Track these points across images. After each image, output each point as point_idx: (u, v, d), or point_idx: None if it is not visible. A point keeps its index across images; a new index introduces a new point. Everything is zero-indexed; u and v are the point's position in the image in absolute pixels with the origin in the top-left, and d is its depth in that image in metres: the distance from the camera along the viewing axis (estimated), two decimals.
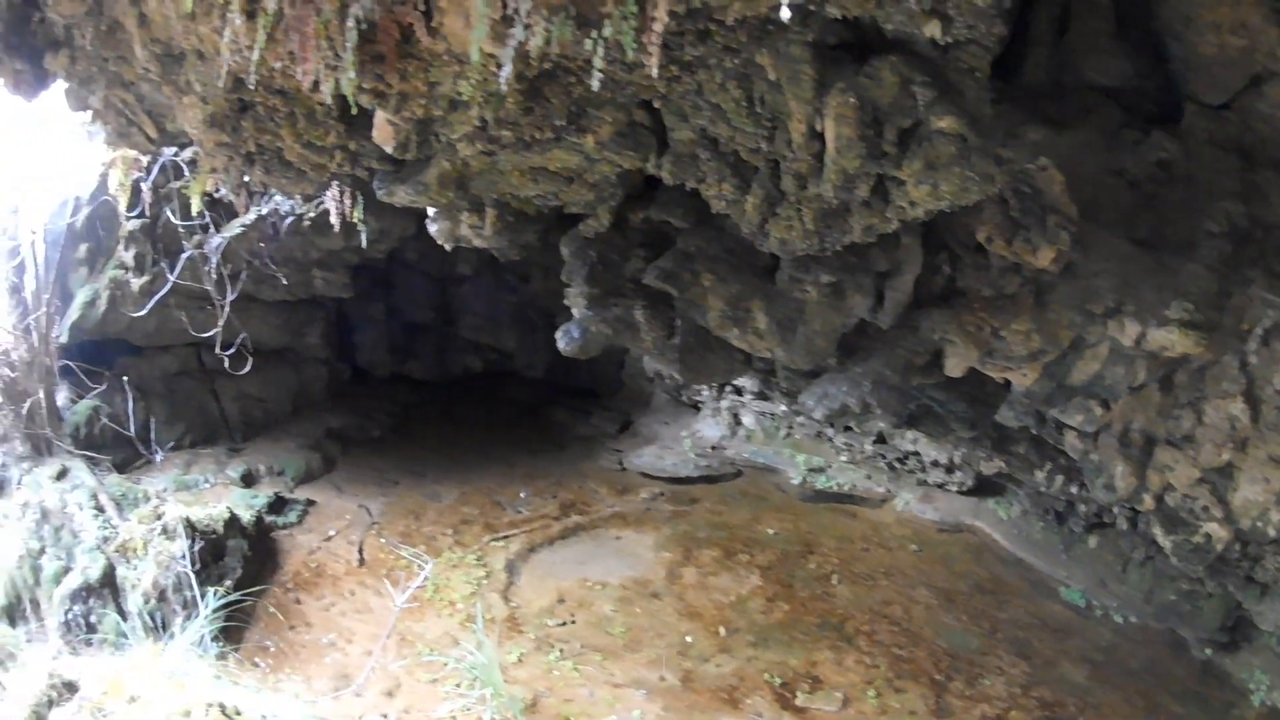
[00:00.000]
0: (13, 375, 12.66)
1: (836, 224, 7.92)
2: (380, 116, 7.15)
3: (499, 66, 5.72)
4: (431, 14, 5.88)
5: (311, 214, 12.98)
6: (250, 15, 6.12)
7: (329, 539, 12.78)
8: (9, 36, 8.51)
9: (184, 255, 12.92)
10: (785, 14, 4.85)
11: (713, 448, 16.70)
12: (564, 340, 10.06)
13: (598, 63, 5.73)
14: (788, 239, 8.25)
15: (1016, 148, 7.88)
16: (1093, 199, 8.48)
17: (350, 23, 5.74)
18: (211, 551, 10.85)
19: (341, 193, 9.95)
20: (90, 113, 9.36)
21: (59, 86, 9.16)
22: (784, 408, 15.52)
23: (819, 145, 7.30)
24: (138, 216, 13.03)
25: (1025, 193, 8.18)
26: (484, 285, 19.07)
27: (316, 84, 6.10)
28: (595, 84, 5.84)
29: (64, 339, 13.31)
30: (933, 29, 6.37)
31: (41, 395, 12.58)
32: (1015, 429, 11.23)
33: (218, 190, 10.99)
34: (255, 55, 6.03)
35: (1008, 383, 9.97)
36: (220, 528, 11.15)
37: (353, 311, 18.27)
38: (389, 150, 7.49)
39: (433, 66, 6.44)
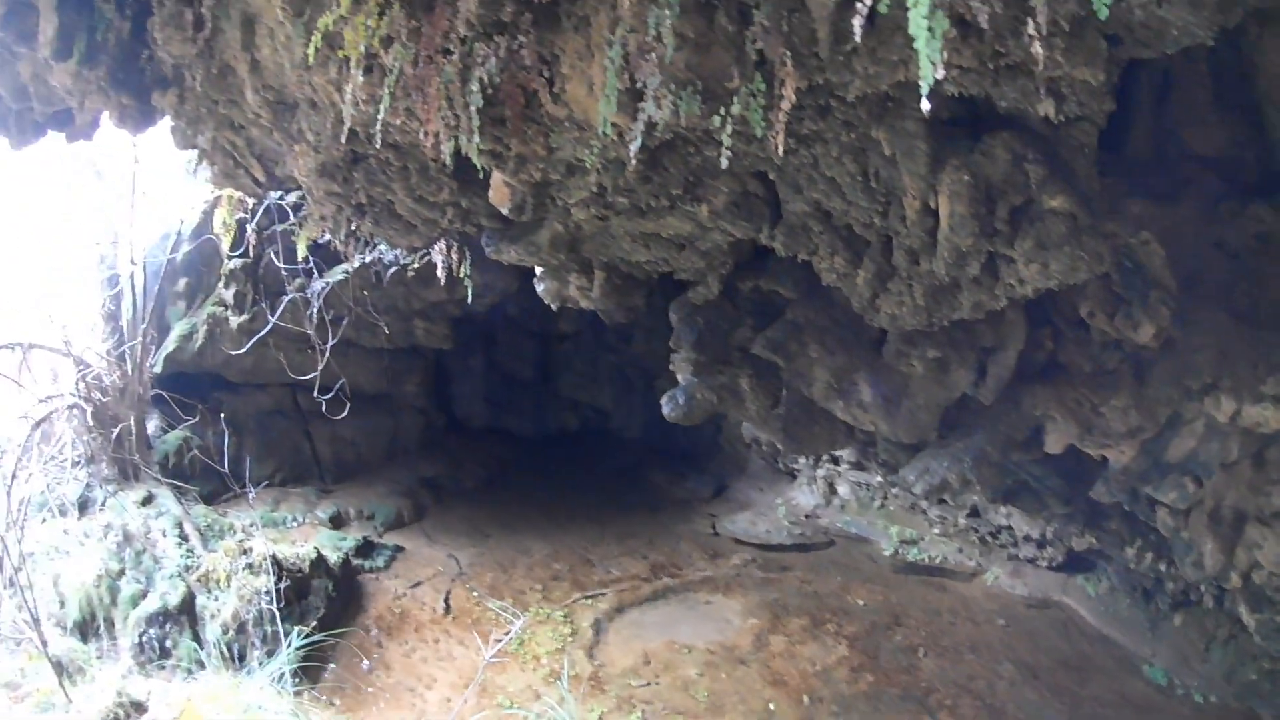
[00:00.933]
0: (104, 400, 12.85)
1: (946, 300, 7.84)
2: (497, 178, 7.18)
3: (621, 135, 5.73)
4: (554, 80, 5.92)
5: (416, 265, 13.05)
6: (369, 71, 6.18)
7: (415, 586, 12.75)
8: (117, 71, 8.66)
9: (286, 298, 13.06)
10: (925, 106, 4.79)
11: (806, 516, 16.54)
12: (669, 406, 10.05)
13: (726, 141, 5.74)
14: (898, 314, 8.21)
15: (1120, 221, 7.76)
16: (1192, 272, 8.35)
17: (474, 86, 5.76)
18: (295, 589, 10.88)
19: (449, 247, 10.01)
20: (197, 151, 9.50)
21: (165, 123, 9.31)
22: (880, 478, 15.38)
23: (932, 221, 7.23)
24: (240, 256, 13.22)
25: (1127, 267, 8.04)
26: (585, 343, 19.00)
27: (437, 143, 6.13)
28: (724, 162, 5.85)
29: (158, 369, 13.51)
30: (1046, 107, 6.29)
31: (132, 422, 12.76)
32: (1108, 505, 11.05)
33: (323, 235, 11.11)
34: (379, 114, 6.06)
35: (1104, 458, 9.77)
36: (306, 567, 11.21)
37: (452, 362, 18.27)
38: (505, 212, 7.52)
39: (553, 132, 6.46)
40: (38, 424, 13.02)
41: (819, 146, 6.89)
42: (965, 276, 7.55)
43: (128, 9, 8.49)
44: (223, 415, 13.44)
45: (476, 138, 5.95)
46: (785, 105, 5.54)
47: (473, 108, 5.82)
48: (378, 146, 7.08)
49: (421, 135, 6.07)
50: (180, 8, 7.85)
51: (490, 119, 6.08)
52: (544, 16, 5.83)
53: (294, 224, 12.20)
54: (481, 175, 7.44)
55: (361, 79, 6.12)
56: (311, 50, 6.23)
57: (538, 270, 9.88)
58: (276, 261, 12.81)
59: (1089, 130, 6.84)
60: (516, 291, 13.74)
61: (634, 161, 6.17)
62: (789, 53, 5.52)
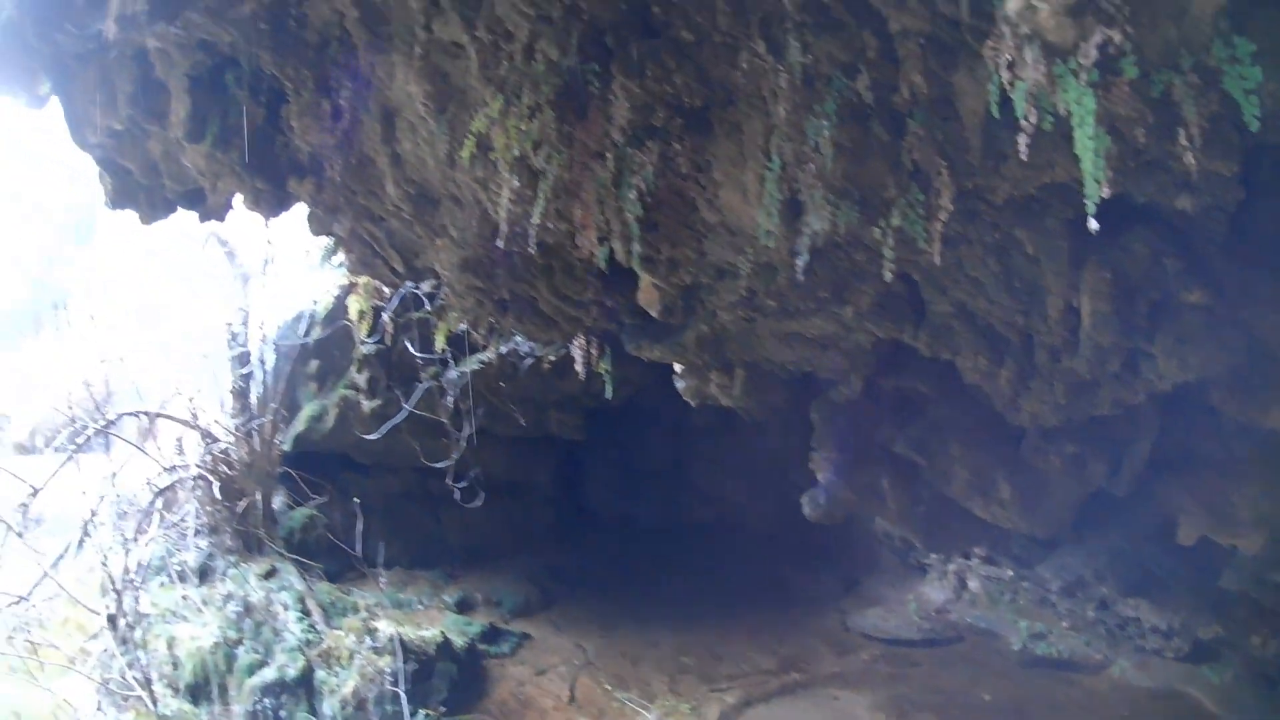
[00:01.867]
0: (231, 474, 13.08)
1: (1086, 397, 7.77)
2: (646, 280, 7.22)
3: (775, 242, 5.78)
4: (707, 186, 5.98)
5: (552, 356, 13.15)
6: (518, 172, 6.28)
7: (541, 673, 12.67)
8: (251, 156, 8.84)
9: (421, 386, 13.18)
10: (1093, 225, 4.81)
11: (936, 611, 16.27)
12: (810, 506, 10.07)
13: (889, 254, 5.81)
14: (1039, 412, 8.16)
15: (1249, 305, 7.67)
16: None
17: (632, 194, 5.83)
18: (419, 671, 10.90)
19: (588, 342, 10.06)
20: (333, 239, 9.66)
21: (300, 208, 9.50)
22: (1011, 572, 15.18)
23: (1074, 319, 7.18)
24: (374, 341, 13.40)
25: (1258, 352, 7.94)
26: (718, 436, 18.87)
27: (590, 246, 6.21)
28: (888, 275, 5.88)
29: (287, 447, 13.70)
30: (1184, 201, 6.25)
31: (258, 497, 12.96)
32: (1235, 592, 10.84)
33: (461, 328, 11.22)
34: (529, 215, 6.15)
35: (1234, 546, 9.60)
36: (431, 650, 11.22)
37: (584, 452, 18.12)
38: (653, 313, 7.57)
39: (706, 237, 6.51)
40: (161, 491, 13.29)
41: (964, 248, 6.89)
42: (1105, 373, 7.48)
43: (262, 95, 8.69)
44: (351, 495, 13.49)
45: (637, 246, 6.00)
46: (942, 216, 5.63)
47: (630, 216, 5.88)
48: (528, 248, 7.18)
49: (575, 240, 6.14)
50: (317, 98, 8.03)
51: (643, 224, 6.14)
52: (696, 123, 5.90)
53: (429, 312, 12.36)
54: (627, 274, 7.49)
55: (516, 183, 6.20)
56: (465, 155, 6.34)
57: (677, 367, 9.90)
58: (412, 349, 12.94)
59: (1220, 219, 6.76)
60: (651, 384, 13.75)
61: (800, 276, 6.18)
62: (945, 162, 5.57)
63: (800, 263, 5.85)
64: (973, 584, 16.32)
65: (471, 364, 13.28)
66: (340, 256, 11.56)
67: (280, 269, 13.79)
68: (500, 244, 6.94)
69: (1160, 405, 8.89)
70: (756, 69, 5.67)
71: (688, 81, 5.89)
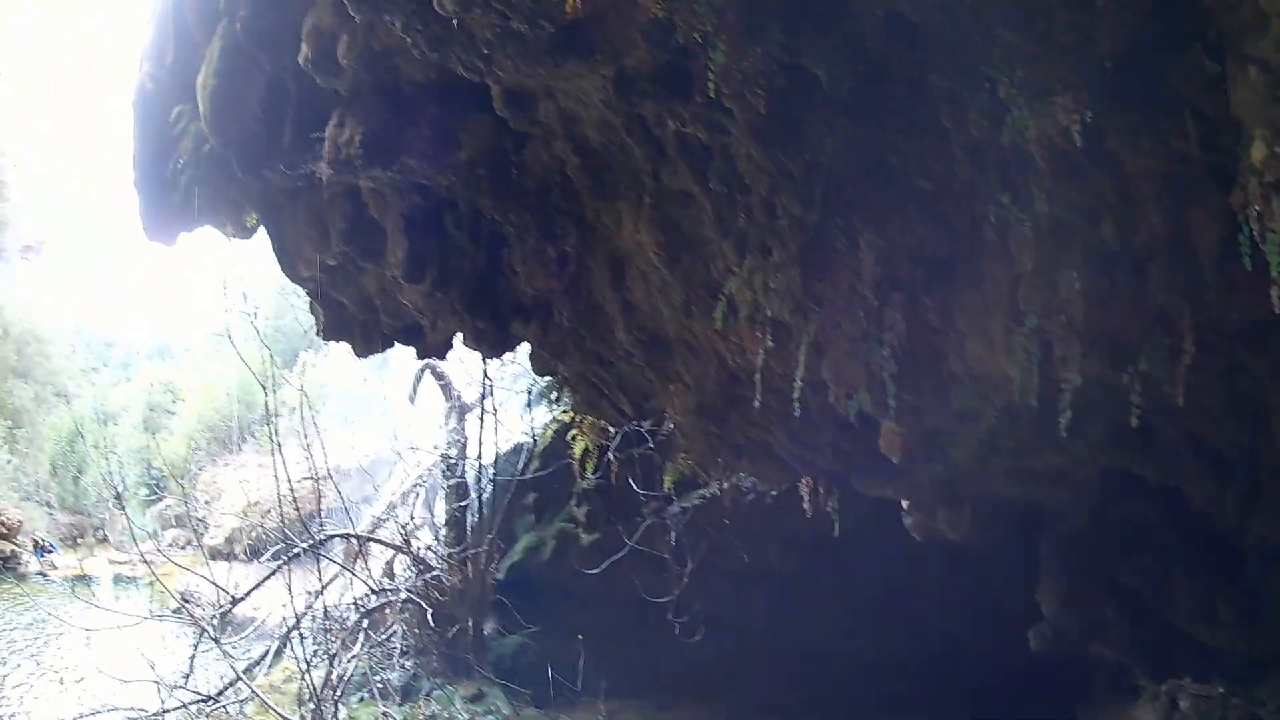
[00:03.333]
0: (442, 599, 13.12)
1: None
2: (889, 428, 7.07)
3: (1025, 393, 5.59)
4: (951, 335, 5.82)
5: (774, 491, 12.95)
6: (756, 322, 6.14)
7: None
8: (471, 296, 8.87)
9: (644, 523, 13.09)
10: None
11: None
12: (1037, 639, 10.13)
13: (1136, 399, 5.65)
14: (1265, 534, 7.97)
15: None
16: None
17: (885, 350, 5.68)
18: None
19: (816, 482, 9.89)
20: (556, 378, 9.64)
21: (523, 347, 9.49)
22: (1222, 689, 14.57)
23: None
24: (595, 476, 13.37)
25: None
26: (935, 567, 18.56)
27: (840, 398, 6.08)
28: (1134, 421, 5.64)
29: (500, 575, 13.73)
30: None
31: (469, 623, 12.96)
32: None
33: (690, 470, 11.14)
34: (798, 383, 6.01)
35: None
36: None
37: (802, 584, 17.87)
38: (894, 459, 7.41)
39: (952, 387, 6.34)
40: (369, 612, 13.39)
41: (1193, 376, 6.63)
42: None
43: (482, 237, 8.74)
44: (563, 625, 13.49)
45: (891, 402, 5.83)
46: (1186, 359, 5.58)
47: (886, 373, 5.73)
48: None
49: (833, 398, 6.00)
50: (542, 244, 8.03)
51: (890, 375, 5.97)
52: (940, 274, 5.76)
53: (652, 448, 12.28)
54: (865, 420, 7.35)
55: (771, 343, 6.08)
56: (719, 317, 6.24)
57: (904, 503, 9.74)
58: (635, 486, 12.87)
59: None
60: (870, 514, 13.48)
61: (1063, 433, 5.95)
62: (1186, 304, 5.51)
63: (1064, 420, 5.64)
64: (1184, 704, 15.65)
65: (693, 500, 13.15)
66: (563, 394, 11.60)
67: (496, 401, 13.90)
68: (757, 403, 6.81)
69: None
70: (999, 218, 5.56)
71: (930, 233, 5.78)
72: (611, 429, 12.14)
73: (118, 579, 39.24)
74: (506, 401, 14.48)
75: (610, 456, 12.73)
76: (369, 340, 11.56)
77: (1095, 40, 4.59)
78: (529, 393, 14.98)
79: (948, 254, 5.92)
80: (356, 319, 11.30)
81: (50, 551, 46.80)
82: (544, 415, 14.25)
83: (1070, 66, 4.72)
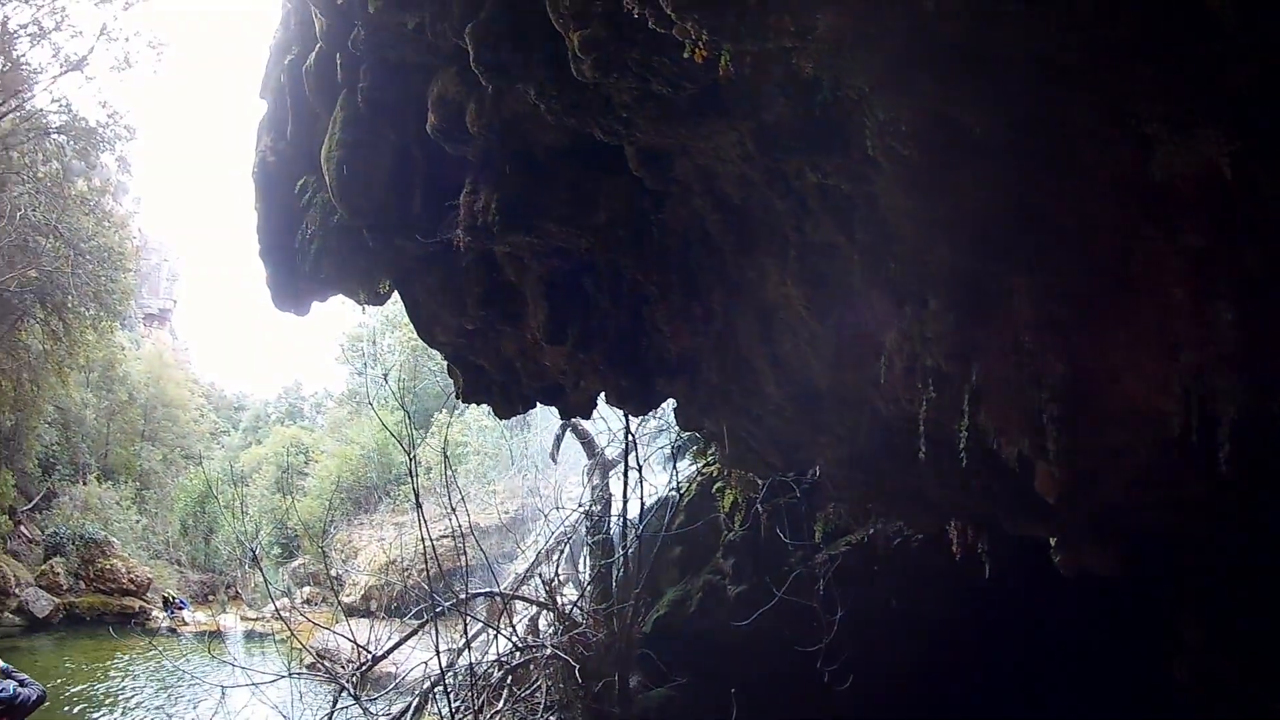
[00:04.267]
0: (587, 654, 13.12)
1: None
2: (1044, 469, 6.97)
3: (1180, 428, 5.51)
4: (1109, 375, 5.74)
5: (919, 536, 12.82)
6: (914, 372, 6.09)
7: None
8: (614, 355, 8.89)
9: (793, 573, 13.00)
10: None
11: None
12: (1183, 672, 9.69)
13: None
14: None
15: None
16: None
17: (1045, 394, 5.62)
18: None
19: (965, 525, 9.79)
20: (703, 432, 9.63)
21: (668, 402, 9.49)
22: None
23: None
24: (743, 528, 13.34)
25: None
26: (1078, 600, 18.21)
27: (1002, 445, 6.01)
28: None
29: (646, 629, 13.70)
30: None
31: (615, 678, 12.95)
32: None
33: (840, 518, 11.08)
34: (964, 434, 5.96)
35: None
36: None
37: (952, 627, 17.68)
38: (1050, 500, 7.30)
39: (1107, 424, 6.23)
40: (514, 668, 13.46)
41: None
42: None
43: (623, 298, 8.74)
44: (709, 677, 13.39)
45: (1051, 445, 5.76)
46: None
47: (1046, 417, 5.66)
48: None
49: (997, 444, 5.93)
50: (687, 301, 8.03)
51: (1050, 418, 5.89)
52: (1093, 312, 5.67)
53: (797, 498, 12.22)
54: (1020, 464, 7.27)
55: (934, 393, 6.04)
56: (881, 369, 6.21)
57: (1053, 541, 9.60)
58: (781, 535, 12.81)
59: None
60: (1008, 552, 13.30)
61: (1223, 467, 5.84)
62: None
63: (1222, 454, 5.52)
64: None
65: (840, 547, 13.04)
66: (708, 448, 11.59)
67: (640, 455, 13.92)
68: (922, 454, 6.75)
69: None
70: (1146, 253, 5.49)
71: (1079, 272, 5.69)
72: (759, 480, 12.08)
73: (249, 635, 39.85)
74: (649, 456, 14.49)
75: (759, 508, 12.66)
76: (509, 402, 11.62)
77: (1229, 71, 4.53)
78: (671, 447, 15.02)
79: (1097, 291, 5.84)
80: (496, 381, 11.38)
81: (181, 608, 47.75)
82: (687, 468, 14.24)
83: (1210, 98, 4.65)
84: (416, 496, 14.01)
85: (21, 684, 11.14)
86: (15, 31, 38.32)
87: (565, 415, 12.14)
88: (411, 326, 12.07)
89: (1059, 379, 5.77)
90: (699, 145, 6.98)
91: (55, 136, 41.30)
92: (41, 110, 41.30)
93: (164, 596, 47.92)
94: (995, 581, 17.27)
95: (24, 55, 39.26)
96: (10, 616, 40.01)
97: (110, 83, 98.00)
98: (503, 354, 10.82)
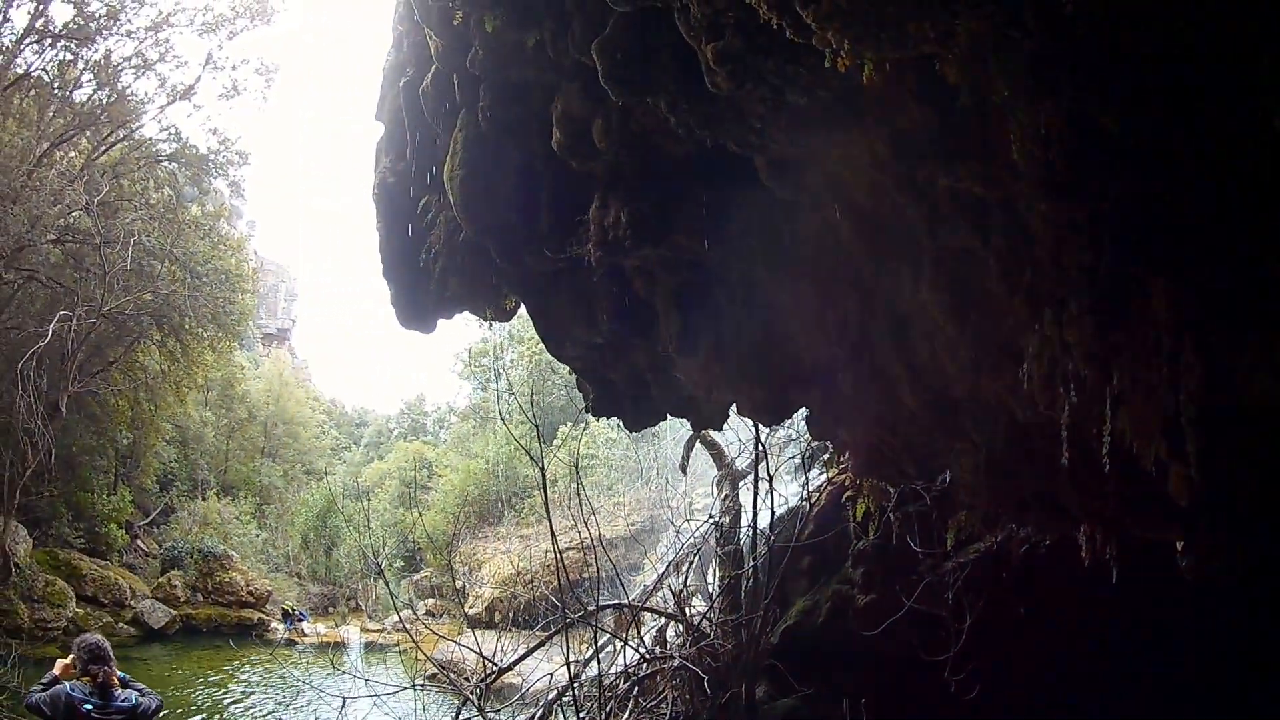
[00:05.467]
0: (715, 665, 13.17)
1: None
2: (1177, 472, 6.91)
3: None
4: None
5: (1047, 540, 12.70)
6: (1053, 379, 6.07)
7: None
8: (749, 366, 8.92)
9: (923, 582, 12.93)
10: None
11: None
12: None
13: None
14: None
15: None
16: None
17: (1184, 396, 5.58)
18: None
19: (1094, 530, 9.70)
20: (835, 442, 9.64)
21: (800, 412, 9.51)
22: None
23: None
24: (875, 538, 13.31)
25: None
26: (1197, 606, 17.87)
27: (1144, 453, 5.97)
28: None
29: (774, 640, 13.72)
30: None
31: (742, 689, 12.99)
32: None
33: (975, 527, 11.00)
34: (1106, 441, 5.94)
35: None
36: None
37: (1081, 634, 17.40)
38: (1181, 503, 7.24)
39: (1240, 424, 6.17)
40: (640, 679, 13.54)
41: None
42: None
43: (756, 309, 8.77)
44: (838, 686, 13.28)
45: (1191, 447, 5.72)
46: None
47: (1185, 419, 5.62)
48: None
49: (1136, 449, 5.90)
50: (822, 311, 8.05)
51: (1188, 420, 5.84)
52: (1226, 309, 5.62)
53: (928, 505, 12.16)
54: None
55: (1075, 398, 6.03)
56: (1024, 377, 6.21)
57: (1179, 544, 9.48)
58: (911, 543, 12.75)
59: None
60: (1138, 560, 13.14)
61: None
62: None
63: None
64: None
65: (969, 555, 12.93)
66: (840, 457, 11.59)
67: (769, 465, 13.94)
68: (1065, 461, 6.72)
69: None
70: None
71: (1213, 268, 5.64)
72: (891, 489, 12.03)
73: (370, 647, 40.37)
74: (779, 467, 14.49)
75: (891, 516, 12.61)
76: (640, 414, 11.72)
77: None
78: (801, 456, 15.00)
79: (1230, 287, 5.78)
80: (627, 394, 11.48)
81: (300, 620, 48.52)
82: (817, 478, 14.22)
83: None
84: (547, 508, 14.12)
85: (141, 694, 11.43)
86: (119, 64, 39.27)
87: (697, 427, 12.21)
88: (535, 340, 12.24)
89: (1199, 380, 5.72)
90: (830, 153, 7.01)
91: (166, 164, 42.35)
92: (151, 139, 42.35)
93: (283, 609, 48.71)
94: (1119, 589, 16.96)
95: (129, 87, 40.20)
96: (126, 627, 40.96)
97: (220, 109, 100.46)
98: (634, 367, 10.91)
